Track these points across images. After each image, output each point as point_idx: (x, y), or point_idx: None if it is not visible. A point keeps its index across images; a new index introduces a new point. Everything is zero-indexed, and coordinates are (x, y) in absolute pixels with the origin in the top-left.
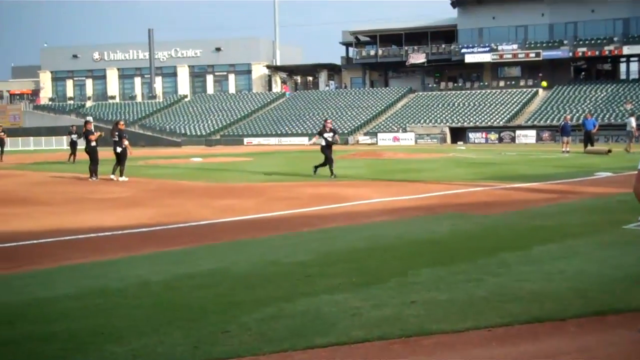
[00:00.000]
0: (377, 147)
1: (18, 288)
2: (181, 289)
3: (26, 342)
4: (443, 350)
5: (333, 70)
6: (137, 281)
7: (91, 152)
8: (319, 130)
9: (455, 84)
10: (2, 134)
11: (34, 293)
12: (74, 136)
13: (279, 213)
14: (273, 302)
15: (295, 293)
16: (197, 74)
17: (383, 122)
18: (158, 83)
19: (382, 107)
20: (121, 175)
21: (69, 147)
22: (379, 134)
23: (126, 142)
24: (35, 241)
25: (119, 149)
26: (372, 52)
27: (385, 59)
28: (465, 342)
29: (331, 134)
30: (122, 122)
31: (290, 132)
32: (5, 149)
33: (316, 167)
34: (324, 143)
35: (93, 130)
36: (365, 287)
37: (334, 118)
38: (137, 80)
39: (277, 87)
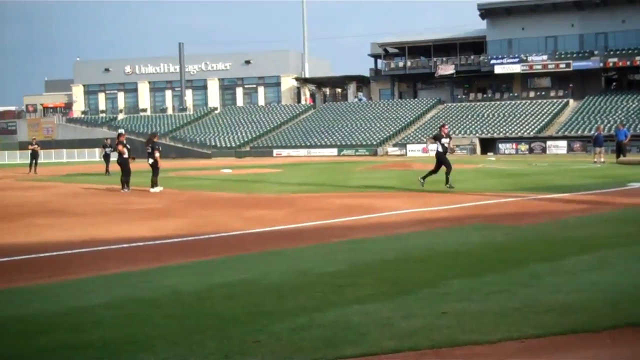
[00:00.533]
0: (406, 158)
1: (53, 297)
2: (212, 299)
3: (61, 350)
4: None
5: (362, 82)
6: (169, 291)
7: (123, 163)
8: (434, 134)
9: (485, 95)
10: (36, 146)
11: (68, 302)
12: (108, 149)
13: (309, 224)
14: (304, 312)
15: (325, 303)
16: (227, 87)
17: (412, 133)
18: (188, 96)
19: (411, 119)
20: (152, 187)
21: (102, 160)
22: (408, 145)
23: (157, 154)
24: (69, 251)
25: (151, 160)
26: (401, 64)
27: (413, 70)
28: (498, 353)
29: (447, 140)
30: (157, 135)
31: (319, 143)
32: (38, 161)
33: (425, 177)
34: (440, 149)
35: (125, 143)
36: (396, 297)
37: (362, 129)
38: (168, 93)
39: (305, 100)
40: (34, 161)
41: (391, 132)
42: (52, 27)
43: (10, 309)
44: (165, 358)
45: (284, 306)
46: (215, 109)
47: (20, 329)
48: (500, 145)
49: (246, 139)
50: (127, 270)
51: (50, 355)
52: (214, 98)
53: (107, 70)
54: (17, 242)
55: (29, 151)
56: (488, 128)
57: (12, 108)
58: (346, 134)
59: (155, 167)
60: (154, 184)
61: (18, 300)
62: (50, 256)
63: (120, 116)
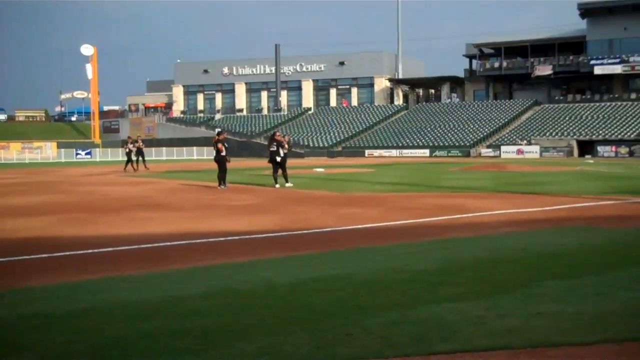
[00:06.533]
0: (500, 160)
1: (154, 286)
2: (306, 292)
3: (161, 336)
4: None
5: (456, 83)
6: (263, 283)
7: (219, 161)
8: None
9: (583, 96)
10: (142, 144)
11: (167, 291)
12: (131, 145)
13: (401, 222)
14: (396, 308)
15: (417, 300)
16: (321, 88)
17: (507, 135)
18: (283, 96)
19: (506, 120)
20: (287, 182)
21: (127, 158)
22: (502, 147)
23: (282, 152)
24: (168, 243)
25: (278, 158)
26: (497, 64)
27: (509, 71)
28: (594, 356)
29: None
30: (278, 133)
31: (411, 144)
32: (144, 158)
33: None
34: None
35: (224, 142)
36: (489, 296)
37: (455, 130)
38: (264, 94)
39: (398, 100)
40: (139, 158)
41: (485, 134)
42: (154, 29)
43: (116, 295)
44: (260, 347)
45: (376, 301)
46: (309, 109)
47: (125, 314)
48: (599, 148)
49: (339, 139)
50: (223, 262)
51: (152, 340)
52: (307, 98)
53: (205, 71)
54: (120, 233)
55: (135, 149)
56: (586, 130)
57: (116, 107)
58: (439, 134)
59: (283, 162)
60: (286, 179)
61: (122, 288)
62: (152, 247)
63: (218, 116)
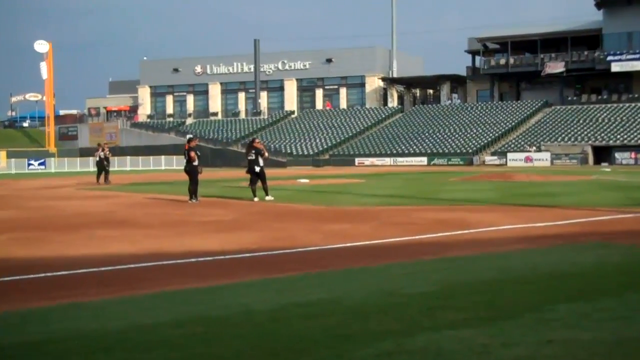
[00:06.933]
0: (507, 168)
1: (116, 314)
2: (288, 319)
3: None
4: None
5: (457, 82)
6: (240, 310)
7: (191, 172)
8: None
9: (599, 97)
10: (109, 151)
11: (132, 319)
12: (102, 154)
13: (396, 239)
14: (390, 336)
15: (414, 327)
16: (306, 88)
17: (514, 140)
18: (263, 98)
19: (513, 123)
20: (266, 195)
21: (96, 167)
22: (508, 154)
23: (261, 161)
24: (133, 265)
25: (257, 168)
26: (502, 61)
27: (517, 68)
28: None
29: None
30: (258, 140)
31: (407, 151)
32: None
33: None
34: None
35: (196, 149)
36: (494, 322)
37: (456, 135)
38: (241, 96)
39: (393, 102)
40: (104, 168)
41: (490, 139)
42: (117, 22)
43: (71, 324)
44: None
45: (368, 329)
46: (292, 112)
47: (83, 346)
48: (617, 155)
49: (325, 146)
50: (194, 286)
51: None
52: (291, 100)
53: (175, 70)
54: (78, 254)
55: (96, 158)
56: (603, 134)
57: (74, 112)
58: (438, 140)
59: (262, 174)
60: (266, 191)
61: (81, 317)
62: (114, 270)
63: (189, 120)
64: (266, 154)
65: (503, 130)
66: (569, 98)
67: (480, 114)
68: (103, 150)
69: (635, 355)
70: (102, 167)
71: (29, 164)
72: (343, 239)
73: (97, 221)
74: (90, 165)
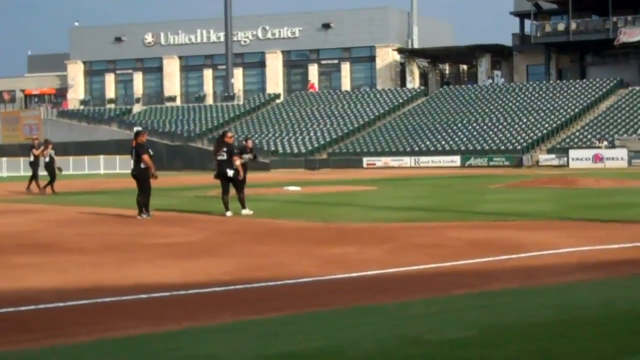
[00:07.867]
0: (569, 171)
1: None
2: None
3: None
4: None
5: (500, 55)
6: None
7: (141, 177)
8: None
9: None
10: (40, 150)
11: None
12: (52, 152)
13: (418, 267)
14: None
15: None
16: (295, 64)
17: (577, 133)
18: (237, 77)
19: (577, 110)
20: (243, 207)
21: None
22: (570, 151)
23: (238, 162)
24: (61, 304)
25: (230, 172)
26: (561, 26)
27: (581, 36)
28: None
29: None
30: (230, 134)
31: (433, 148)
32: (36, 172)
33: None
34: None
35: (146, 146)
36: None
37: (500, 126)
38: (208, 74)
39: (413, 82)
40: (34, 173)
41: (545, 131)
42: None
43: None
44: None
45: None
46: (277, 96)
47: None
48: None
49: (322, 142)
50: (146, 331)
51: None
52: (275, 80)
53: (118, 39)
54: None
55: (45, 159)
56: None
57: None
58: (475, 133)
59: (237, 179)
60: (243, 202)
61: None
62: (36, 309)
63: (137, 108)
64: (250, 155)
65: (563, 119)
66: None
67: (532, 98)
68: (53, 148)
69: None
70: (53, 170)
71: None
72: (346, 267)
73: (13, 244)
74: (4, 168)
